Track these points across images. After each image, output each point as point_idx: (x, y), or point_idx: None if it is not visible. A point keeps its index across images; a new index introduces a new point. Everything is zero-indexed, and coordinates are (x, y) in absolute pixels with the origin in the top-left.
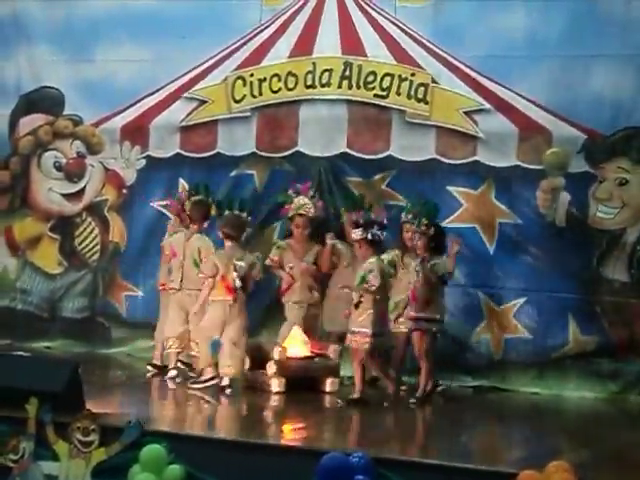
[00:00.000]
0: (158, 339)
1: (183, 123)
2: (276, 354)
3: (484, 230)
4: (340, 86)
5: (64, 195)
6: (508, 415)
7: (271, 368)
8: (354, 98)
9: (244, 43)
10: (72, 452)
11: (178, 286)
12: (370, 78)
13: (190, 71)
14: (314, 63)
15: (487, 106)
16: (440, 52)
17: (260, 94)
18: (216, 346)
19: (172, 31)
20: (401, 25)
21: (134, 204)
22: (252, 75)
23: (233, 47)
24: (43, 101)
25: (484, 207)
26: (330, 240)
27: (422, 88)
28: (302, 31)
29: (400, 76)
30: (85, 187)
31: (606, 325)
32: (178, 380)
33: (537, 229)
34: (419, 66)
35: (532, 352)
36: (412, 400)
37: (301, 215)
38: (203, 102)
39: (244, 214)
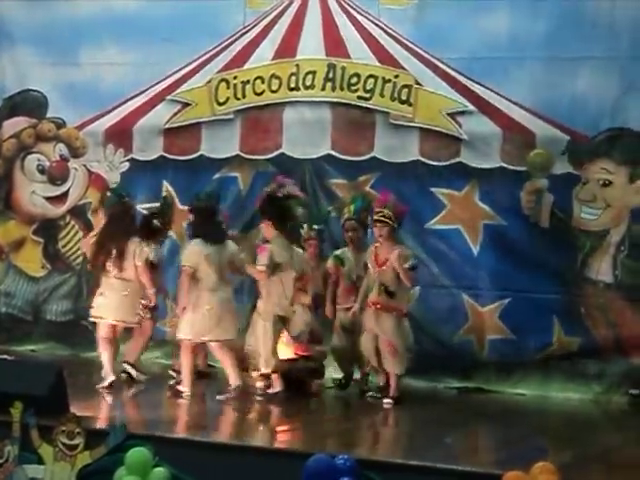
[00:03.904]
0: None
1: (167, 126)
2: None
3: (468, 231)
4: (324, 88)
5: (47, 198)
6: (492, 416)
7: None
8: (338, 100)
9: (227, 46)
10: (57, 455)
11: None
12: (354, 80)
13: (173, 74)
14: (297, 65)
15: (471, 107)
16: (424, 54)
17: (244, 96)
18: None
19: (156, 34)
20: (384, 27)
21: None
22: (235, 78)
23: (216, 50)
24: (26, 104)
25: (468, 208)
26: None
27: (406, 90)
28: (285, 33)
29: (384, 78)
30: (68, 190)
31: (590, 326)
32: None
33: (521, 230)
34: (403, 68)
35: (516, 353)
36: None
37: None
38: (186, 105)
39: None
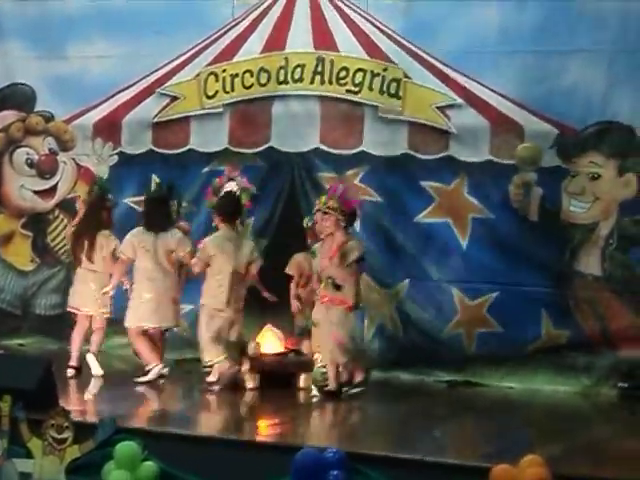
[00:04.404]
0: None
1: (155, 119)
2: (250, 350)
3: (457, 225)
4: (312, 82)
5: (36, 192)
6: (481, 409)
7: (245, 364)
8: (326, 94)
9: (216, 39)
10: (46, 449)
11: None
12: (342, 74)
13: (162, 67)
14: (286, 59)
15: (459, 101)
16: (412, 47)
17: (232, 90)
18: None
19: (144, 27)
20: (373, 20)
21: None
22: (224, 71)
23: (205, 43)
24: (15, 97)
25: (457, 202)
26: None
27: (394, 83)
28: (274, 27)
29: (372, 71)
30: (57, 184)
31: (579, 319)
32: None
33: (510, 224)
34: (391, 61)
35: (505, 346)
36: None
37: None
38: (175, 98)
39: None
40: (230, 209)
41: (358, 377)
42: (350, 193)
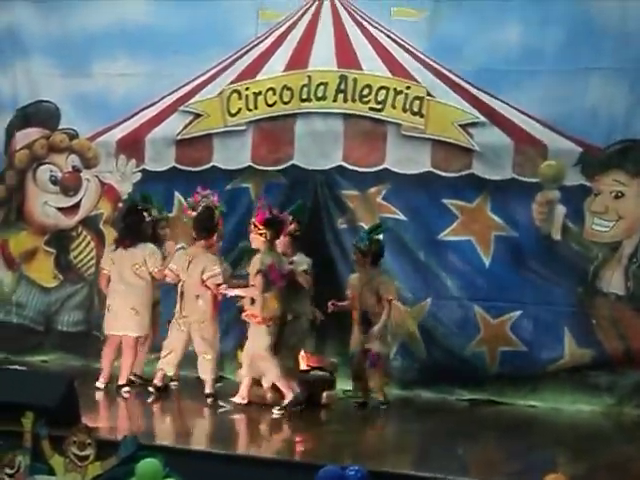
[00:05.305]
0: None
1: (179, 137)
2: None
3: (480, 243)
4: (335, 99)
5: (60, 209)
6: (504, 428)
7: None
8: (349, 111)
9: (240, 57)
10: (68, 466)
11: None
12: (365, 91)
13: (186, 85)
14: (309, 76)
15: (482, 119)
16: (435, 65)
17: (256, 108)
18: None
19: (168, 45)
20: (396, 38)
21: None
22: (248, 89)
23: (229, 61)
24: (39, 115)
25: (480, 220)
26: None
27: (417, 101)
28: (297, 45)
29: (395, 89)
30: (81, 201)
31: (602, 338)
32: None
33: (533, 242)
34: (414, 79)
35: (528, 365)
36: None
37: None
38: (199, 116)
39: None
40: (203, 225)
41: (287, 397)
42: (262, 205)
